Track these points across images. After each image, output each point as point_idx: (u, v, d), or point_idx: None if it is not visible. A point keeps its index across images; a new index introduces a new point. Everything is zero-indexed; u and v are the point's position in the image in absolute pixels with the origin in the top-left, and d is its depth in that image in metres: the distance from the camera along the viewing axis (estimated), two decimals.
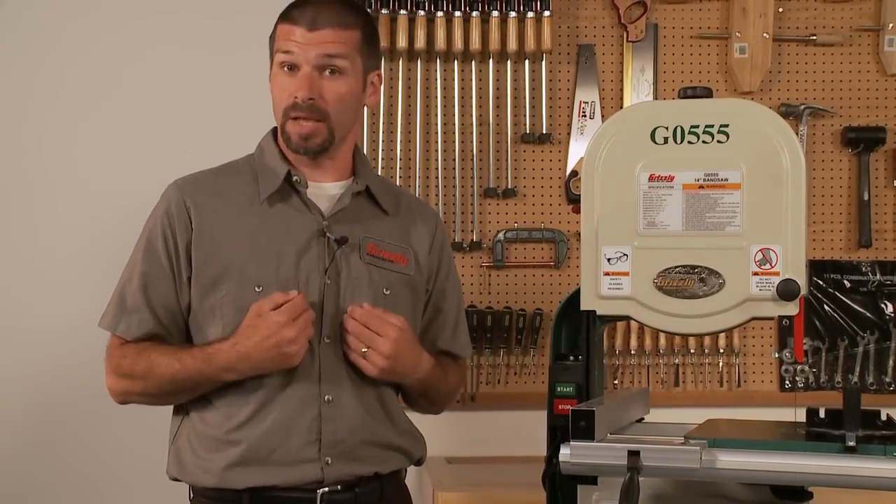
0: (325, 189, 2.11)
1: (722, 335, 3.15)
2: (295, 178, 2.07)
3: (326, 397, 2.02)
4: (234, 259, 2.03)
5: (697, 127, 1.73)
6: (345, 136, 2.11)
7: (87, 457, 3.04)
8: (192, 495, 2.08)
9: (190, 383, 2.02)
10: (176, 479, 2.09)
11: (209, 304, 2.03)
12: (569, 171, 3.17)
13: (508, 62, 3.14)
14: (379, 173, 2.93)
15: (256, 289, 2.01)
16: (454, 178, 3.15)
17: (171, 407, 2.12)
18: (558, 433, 1.71)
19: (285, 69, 2.05)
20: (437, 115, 3.15)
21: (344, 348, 2.02)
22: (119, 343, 2.07)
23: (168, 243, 2.05)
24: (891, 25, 3.20)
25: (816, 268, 3.16)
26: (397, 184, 3.01)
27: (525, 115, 3.16)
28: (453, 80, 3.14)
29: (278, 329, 1.94)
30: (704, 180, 1.73)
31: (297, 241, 2.05)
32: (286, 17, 2.08)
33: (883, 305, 3.17)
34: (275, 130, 2.15)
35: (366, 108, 2.67)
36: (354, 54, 2.07)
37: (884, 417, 1.69)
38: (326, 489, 2.02)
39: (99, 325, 2.09)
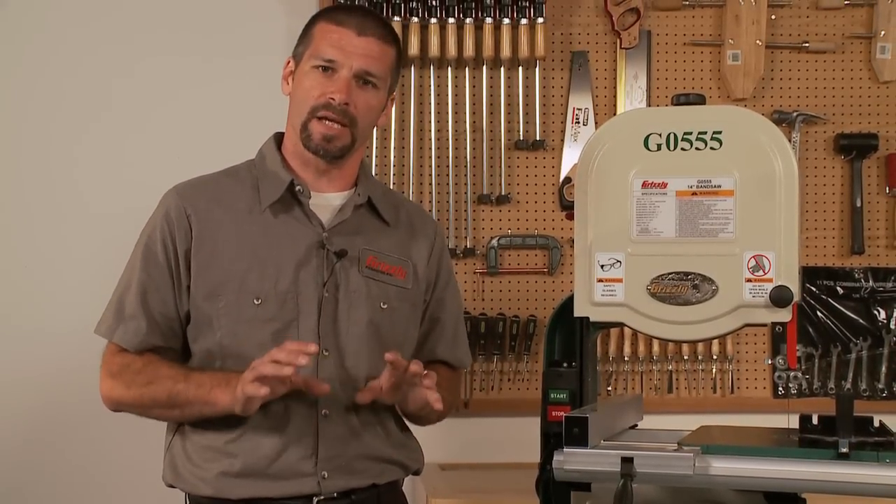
0: (328, 199, 2.09)
1: (715, 342, 3.15)
2: (298, 187, 2.05)
3: (323, 411, 2.01)
4: (234, 270, 2.01)
5: (690, 134, 1.73)
6: (359, 148, 2.10)
7: (86, 461, 3.03)
8: (187, 502, 2.07)
9: (182, 400, 1.98)
10: (172, 486, 2.08)
11: (207, 313, 2.02)
12: (562, 177, 3.17)
13: (502, 69, 3.15)
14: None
15: (255, 301, 2.00)
16: (448, 184, 3.15)
17: None
18: (552, 440, 1.71)
19: (320, 69, 2.02)
20: (430, 122, 3.14)
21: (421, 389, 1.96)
22: (116, 350, 2.05)
23: (168, 250, 2.04)
24: (882, 33, 3.21)
25: (809, 274, 3.16)
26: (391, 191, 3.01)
27: (519, 122, 3.16)
28: (447, 86, 3.14)
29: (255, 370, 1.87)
30: (697, 187, 1.73)
31: (296, 252, 2.03)
32: (329, 18, 2.06)
33: (875, 312, 3.17)
34: (277, 137, 2.14)
35: None
36: (388, 72, 2.07)
37: (876, 424, 1.69)
38: (322, 497, 2.01)
39: (95, 332, 2.08)
